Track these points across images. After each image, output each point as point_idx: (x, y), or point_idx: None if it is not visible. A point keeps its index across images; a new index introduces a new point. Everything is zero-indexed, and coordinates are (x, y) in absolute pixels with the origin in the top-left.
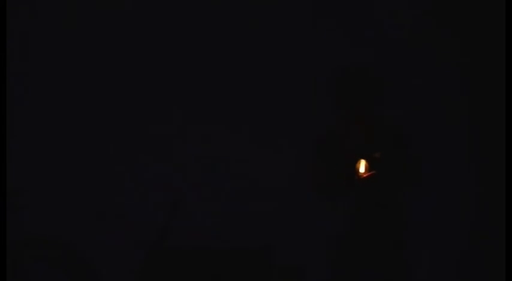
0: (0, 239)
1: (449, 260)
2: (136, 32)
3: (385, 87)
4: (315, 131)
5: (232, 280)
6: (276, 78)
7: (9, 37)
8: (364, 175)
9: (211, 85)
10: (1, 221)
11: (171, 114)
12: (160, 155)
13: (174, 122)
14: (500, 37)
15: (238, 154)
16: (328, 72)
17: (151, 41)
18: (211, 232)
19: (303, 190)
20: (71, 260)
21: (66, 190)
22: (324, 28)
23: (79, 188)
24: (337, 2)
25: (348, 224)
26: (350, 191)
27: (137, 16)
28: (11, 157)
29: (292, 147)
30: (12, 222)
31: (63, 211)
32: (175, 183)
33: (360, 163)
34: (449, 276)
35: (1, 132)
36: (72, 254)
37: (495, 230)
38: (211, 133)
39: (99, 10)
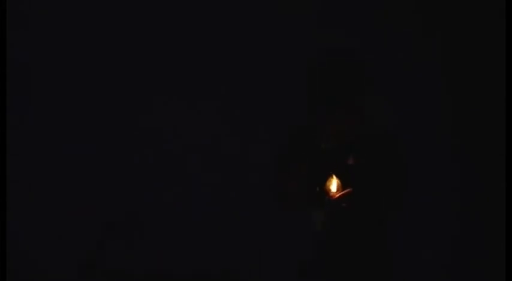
0: (0, 239)
1: (438, 262)
2: (136, 32)
3: (367, 77)
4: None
5: None
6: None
7: (9, 37)
8: (336, 195)
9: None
10: (1, 221)
11: (171, 115)
12: (160, 156)
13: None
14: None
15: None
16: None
17: (151, 42)
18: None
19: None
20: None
21: (66, 190)
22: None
23: (79, 188)
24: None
25: (319, 242)
26: (322, 205)
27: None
28: (11, 156)
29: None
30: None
31: (63, 211)
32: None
33: (331, 181)
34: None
35: (1, 132)
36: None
37: (480, 235)
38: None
39: (99, 10)
